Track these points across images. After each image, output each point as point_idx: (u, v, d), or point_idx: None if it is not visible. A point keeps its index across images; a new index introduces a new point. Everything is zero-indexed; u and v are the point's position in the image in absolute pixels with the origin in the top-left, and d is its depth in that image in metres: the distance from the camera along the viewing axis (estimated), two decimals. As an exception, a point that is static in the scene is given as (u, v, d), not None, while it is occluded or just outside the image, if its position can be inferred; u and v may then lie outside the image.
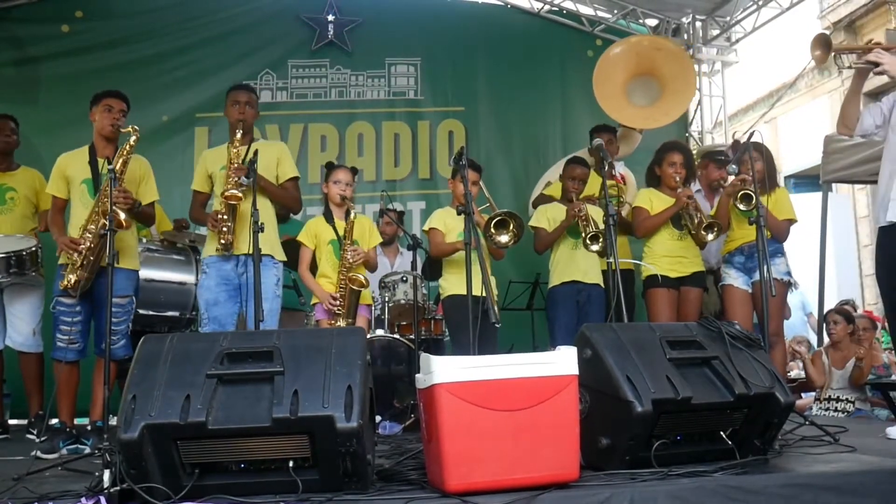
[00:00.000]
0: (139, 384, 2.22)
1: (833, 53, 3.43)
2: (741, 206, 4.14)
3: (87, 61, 6.28)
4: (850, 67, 3.38)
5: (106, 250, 3.45)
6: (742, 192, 4.13)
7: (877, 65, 3.27)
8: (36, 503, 2.16)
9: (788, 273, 4.37)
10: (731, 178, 4.32)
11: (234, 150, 3.88)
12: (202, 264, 3.97)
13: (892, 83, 3.35)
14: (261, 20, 6.74)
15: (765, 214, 3.72)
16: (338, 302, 4.08)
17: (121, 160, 3.76)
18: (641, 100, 6.07)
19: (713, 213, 4.50)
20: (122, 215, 3.51)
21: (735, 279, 4.41)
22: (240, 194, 3.69)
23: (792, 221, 4.41)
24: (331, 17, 6.79)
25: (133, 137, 3.77)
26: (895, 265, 3.36)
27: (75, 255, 3.66)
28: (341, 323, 4.05)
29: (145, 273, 4.26)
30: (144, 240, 4.62)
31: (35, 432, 4.26)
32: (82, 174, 3.85)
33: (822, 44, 3.41)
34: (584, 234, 4.43)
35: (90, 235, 3.67)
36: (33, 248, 4.19)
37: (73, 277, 3.66)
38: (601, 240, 4.31)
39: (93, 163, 3.84)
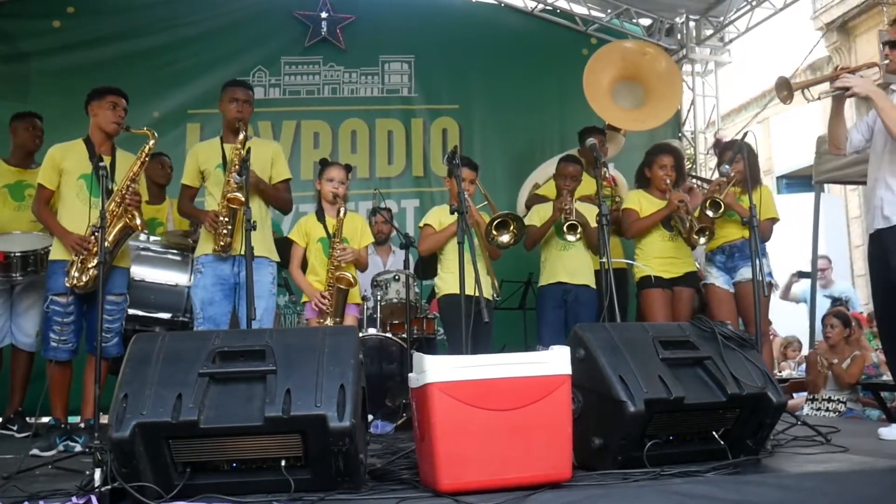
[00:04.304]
0: (131, 383, 2.21)
1: (798, 90, 3.52)
2: (709, 213, 4.18)
3: (78, 57, 6.23)
4: (819, 98, 3.48)
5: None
6: (710, 199, 4.17)
7: (847, 89, 3.37)
8: (26, 502, 2.15)
9: (770, 274, 4.40)
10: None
11: (237, 152, 3.79)
12: (196, 264, 3.93)
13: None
14: (254, 17, 6.71)
15: (757, 215, 3.73)
16: (326, 300, 4.07)
17: (139, 163, 3.77)
18: (626, 102, 6.11)
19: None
20: (139, 219, 3.62)
21: (717, 278, 4.45)
22: (242, 198, 3.63)
23: (774, 220, 4.43)
24: (324, 14, 6.76)
25: (152, 141, 3.78)
26: (880, 271, 3.43)
27: (84, 253, 3.63)
28: (329, 322, 4.04)
29: (137, 272, 4.22)
30: (151, 237, 4.54)
31: (15, 428, 4.26)
32: (80, 169, 3.79)
33: (784, 86, 3.52)
34: (562, 223, 4.40)
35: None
36: (50, 247, 4.16)
37: (84, 277, 3.62)
38: (579, 230, 4.31)
39: (93, 159, 3.78)
